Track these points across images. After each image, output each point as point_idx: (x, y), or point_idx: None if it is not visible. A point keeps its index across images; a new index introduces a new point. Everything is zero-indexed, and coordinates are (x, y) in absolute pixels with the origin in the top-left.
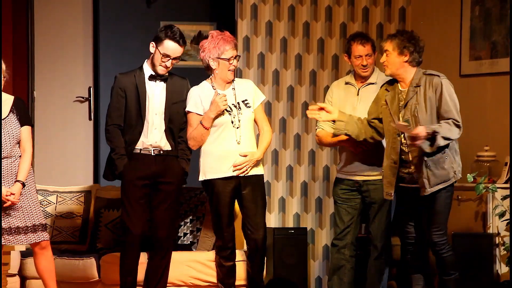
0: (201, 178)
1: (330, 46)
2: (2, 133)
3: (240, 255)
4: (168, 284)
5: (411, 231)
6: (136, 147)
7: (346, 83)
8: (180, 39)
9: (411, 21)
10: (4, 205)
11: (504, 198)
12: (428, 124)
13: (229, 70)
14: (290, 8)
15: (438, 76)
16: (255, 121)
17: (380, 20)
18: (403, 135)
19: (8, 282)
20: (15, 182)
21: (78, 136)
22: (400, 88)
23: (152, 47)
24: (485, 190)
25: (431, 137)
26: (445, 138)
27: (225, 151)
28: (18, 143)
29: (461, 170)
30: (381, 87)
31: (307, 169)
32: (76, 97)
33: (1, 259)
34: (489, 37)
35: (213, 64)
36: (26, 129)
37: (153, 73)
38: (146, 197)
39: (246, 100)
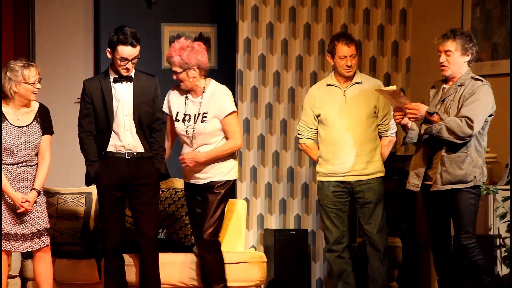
0: None
1: None
2: (23, 140)
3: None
4: (169, 286)
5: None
6: (109, 151)
7: (328, 85)
8: (132, 40)
9: (412, 22)
10: (18, 211)
11: (505, 199)
12: None
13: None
14: (291, 9)
15: (482, 81)
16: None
17: (381, 21)
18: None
19: (9, 283)
20: (31, 189)
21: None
22: (445, 86)
23: (108, 54)
24: (486, 191)
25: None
26: (450, 132)
27: None
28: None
29: (484, 180)
30: (431, 88)
31: (308, 170)
32: (77, 98)
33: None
34: (490, 38)
35: (194, 73)
36: (47, 138)
37: (117, 76)
38: (121, 202)
39: (205, 113)
